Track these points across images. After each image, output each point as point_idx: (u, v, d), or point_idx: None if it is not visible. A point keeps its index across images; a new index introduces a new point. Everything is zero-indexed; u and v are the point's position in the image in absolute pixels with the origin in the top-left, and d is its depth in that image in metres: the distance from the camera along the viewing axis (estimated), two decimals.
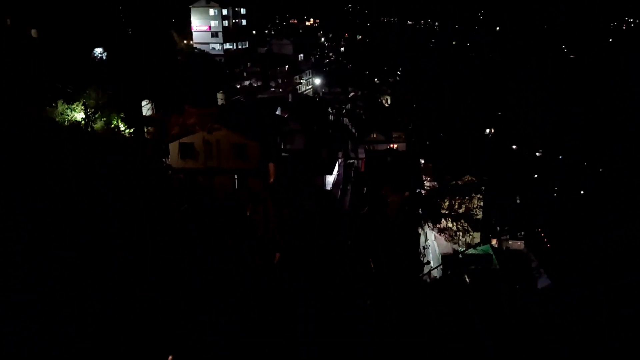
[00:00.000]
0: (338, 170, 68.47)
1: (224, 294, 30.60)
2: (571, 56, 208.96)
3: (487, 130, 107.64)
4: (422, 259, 49.51)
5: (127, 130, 52.36)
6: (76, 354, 22.51)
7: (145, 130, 60.07)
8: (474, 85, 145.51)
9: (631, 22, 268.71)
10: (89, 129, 48.88)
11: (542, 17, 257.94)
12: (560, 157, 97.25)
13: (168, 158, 52.15)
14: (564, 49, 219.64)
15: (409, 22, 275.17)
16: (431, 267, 48.95)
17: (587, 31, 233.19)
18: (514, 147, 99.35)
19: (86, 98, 50.19)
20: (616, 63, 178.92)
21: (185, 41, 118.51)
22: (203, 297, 29.30)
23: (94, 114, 50.12)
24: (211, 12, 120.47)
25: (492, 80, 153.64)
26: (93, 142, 44.54)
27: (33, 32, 64.84)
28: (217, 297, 29.82)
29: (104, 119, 50.36)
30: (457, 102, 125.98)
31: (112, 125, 50.99)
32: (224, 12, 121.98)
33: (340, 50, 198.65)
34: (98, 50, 70.19)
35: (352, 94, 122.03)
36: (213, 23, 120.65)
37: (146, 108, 64.19)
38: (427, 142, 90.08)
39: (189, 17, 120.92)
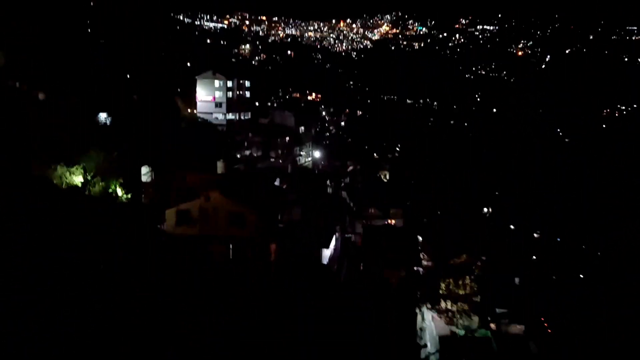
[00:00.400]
0: (335, 244, 67.65)
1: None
2: (566, 140, 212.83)
3: (485, 210, 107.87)
4: (418, 341, 48.06)
5: (125, 196, 52.05)
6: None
7: (143, 196, 59.75)
8: (471, 165, 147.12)
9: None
10: (87, 193, 48.58)
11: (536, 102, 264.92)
12: (559, 239, 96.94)
13: (164, 224, 51.51)
14: (559, 132, 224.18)
15: (408, 101, 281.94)
16: (428, 350, 47.42)
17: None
18: (512, 227, 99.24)
19: (86, 161, 50.19)
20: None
21: (189, 110, 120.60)
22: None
23: (93, 177, 49.96)
24: (216, 83, 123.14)
25: (490, 160, 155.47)
26: (89, 207, 44.21)
27: (40, 95, 65.90)
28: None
29: (103, 183, 50.14)
30: (455, 180, 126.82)
31: (110, 190, 50.73)
32: (229, 84, 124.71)
33: (340, 124, 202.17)
34: (103, 115, 71.03)
35: (351, 167, 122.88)
36: (217, 94, 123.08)
37: (146, 174, 64.16)
38: (425, 220, 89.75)
39: (195, 87, 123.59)
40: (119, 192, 51.81)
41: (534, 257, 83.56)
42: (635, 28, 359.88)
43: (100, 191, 49.69)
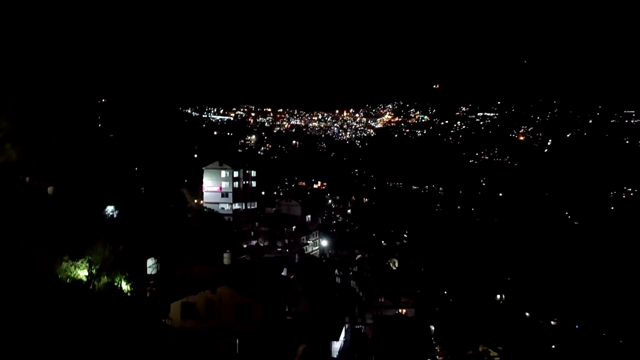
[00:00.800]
0: (345, 336, 65.44)
1: None
2: (575, 223, 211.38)
3: (498, 297, 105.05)
4: None
5: (130, 290, 50.99)
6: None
7: (148, 289, 58.59)
8: (481, 249, 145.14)
9: None
10: (91, 287, 47.60)
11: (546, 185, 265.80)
12: (577, 326, 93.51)
13: (169, 318, 50.05)
14: (567, 215, 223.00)
15: (414, 187, 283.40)
16: None
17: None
18: (527, 314, 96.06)
19: (92, 255, 49.50)
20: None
21: (195, 200, 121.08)
22: None
23: (98, 271, 49.10)
24: (223, 174, 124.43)
25: (499, 244, 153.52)
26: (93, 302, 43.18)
27: (49, 190, 66.35)
28: None
29: (108, 278, 49.23)
30: (466, 266, 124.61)
31: (116, 284, 49.73)
32: (235, 174, 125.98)
33: (347, 212, 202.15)
34: (110, 208, 71.04)
35: (359, 256, 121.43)
36: (224, 184, 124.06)
37: (151, 266, 63.31)
38: (437, 309, 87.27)
39: (202, 177, 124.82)
40: (124, 286, 50.77)
41: (553, 347, 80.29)
42: (633, 112, 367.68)
43: (105, 285, 48.65)
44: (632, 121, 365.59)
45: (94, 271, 48.34)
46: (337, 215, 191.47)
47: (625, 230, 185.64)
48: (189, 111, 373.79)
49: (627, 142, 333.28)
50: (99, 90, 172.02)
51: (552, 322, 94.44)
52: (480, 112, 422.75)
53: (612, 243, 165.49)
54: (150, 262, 62.71)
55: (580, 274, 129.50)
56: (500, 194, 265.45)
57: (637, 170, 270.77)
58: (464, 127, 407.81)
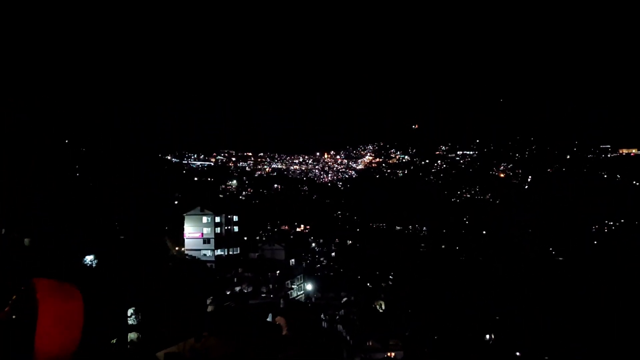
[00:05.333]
0: None
1: None
2: (560, 259, 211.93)
3: (487, 336, 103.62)
4: None
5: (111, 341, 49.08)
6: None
7: (129, 340, 56.64)
8: (468, 288, 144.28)
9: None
10: None
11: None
12: None
13: None
14: (552, 251, 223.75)
15: (398, 228, 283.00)
16: None
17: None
18: (518, 354, 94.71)
19: None
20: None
21: (177, 247, 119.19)
22: None
23: None
24: (204, 219, 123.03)
25: (486, 282, 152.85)
26: None
27: (26, 241, 64.72)
28: None
29: None
30: (453, 306, 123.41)
31: None
32: (217, 219, 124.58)
33: (331, 255, 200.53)
34: (89, 258, 69.39)
35: (345, 299, 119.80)
36: (205, 230, 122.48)
37: (132, 317, 61.33)
38: (426, 350, 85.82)
39: (183, 224, 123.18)
40: None
41: None
42: (609, 146, 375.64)
43: None
44: (609, 155, 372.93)
45: None
46: (322, 259, 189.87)
47: (608, 262, 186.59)
48: (169, 157, 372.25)
49: (605, 175, 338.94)
50: (77, 138, 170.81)
51: None
52: (459, 150, 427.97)
53: (596, 276, 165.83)
54: (130, 312, 60.83)
55: (568, 310, 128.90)
56: (484, 232, 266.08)
57: (616, 203, 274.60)
58: (444, 166, 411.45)
